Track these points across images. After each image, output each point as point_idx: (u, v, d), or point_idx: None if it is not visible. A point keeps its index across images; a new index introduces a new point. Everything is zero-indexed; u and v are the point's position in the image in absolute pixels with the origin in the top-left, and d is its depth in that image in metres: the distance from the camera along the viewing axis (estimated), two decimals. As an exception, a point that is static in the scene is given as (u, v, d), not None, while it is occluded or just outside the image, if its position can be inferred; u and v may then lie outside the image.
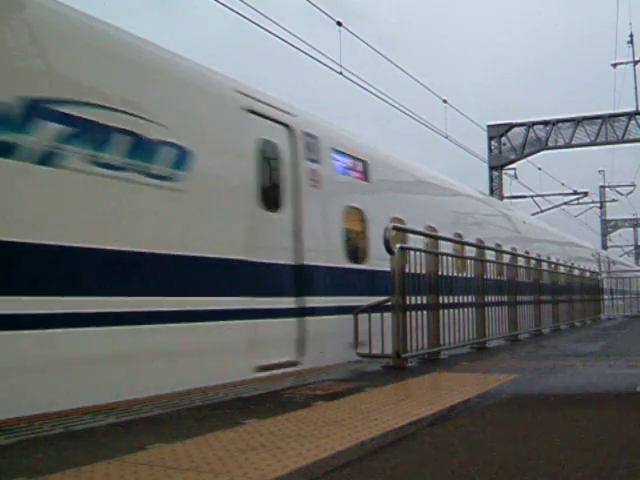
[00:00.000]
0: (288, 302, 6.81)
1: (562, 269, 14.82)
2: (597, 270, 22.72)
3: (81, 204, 4.85)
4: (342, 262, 7.84)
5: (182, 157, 5.65)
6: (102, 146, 4.97)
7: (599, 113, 23.27)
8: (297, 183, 7.10)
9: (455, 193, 12.35)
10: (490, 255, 10.14)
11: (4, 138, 4.35)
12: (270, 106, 6.95)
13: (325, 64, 12.33)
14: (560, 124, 23.49)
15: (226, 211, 6.16)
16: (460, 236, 10.81)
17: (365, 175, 8.64)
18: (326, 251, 7.53)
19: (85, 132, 4.85)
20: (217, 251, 5.97)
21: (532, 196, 30.63)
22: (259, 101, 6.81)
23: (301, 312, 6.90)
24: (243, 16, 9.92)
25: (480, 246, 10.63)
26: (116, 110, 5.11)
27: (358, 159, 8.55)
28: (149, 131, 5.37)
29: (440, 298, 7.03)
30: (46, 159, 4.57)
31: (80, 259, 4.81)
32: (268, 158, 6.81)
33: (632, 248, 55.18)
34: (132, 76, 5.51)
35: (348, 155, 8.34)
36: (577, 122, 23.28)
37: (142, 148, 5.30)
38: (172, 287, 5.53)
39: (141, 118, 5.32)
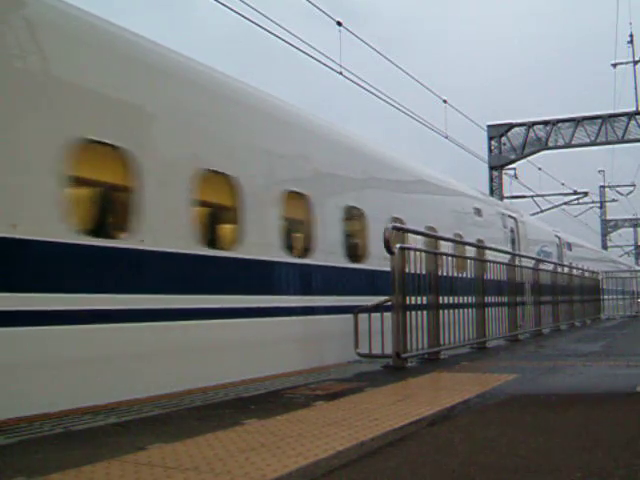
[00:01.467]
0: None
1: (562, 269, 14.86)
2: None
3: None
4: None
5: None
6: None
7: (599, 113, 23.27)
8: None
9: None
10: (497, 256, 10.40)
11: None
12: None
13: (325, 64, 12.34)
14: (560, 124, 23.49)
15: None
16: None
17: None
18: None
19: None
20: None
21: (532, 196, 30.69)
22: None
23: None
24: (243, 16, 9.93)
25: (484, 247, 10.62)
26: None
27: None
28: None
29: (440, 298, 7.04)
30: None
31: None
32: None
33: (632, 248, 55.23)
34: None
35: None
36: (577, 122, 23.27)
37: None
38: None
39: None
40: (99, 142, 5.07)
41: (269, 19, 10.46)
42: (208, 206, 6.44)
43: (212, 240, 6.41)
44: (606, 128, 22.82)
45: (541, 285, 11.66)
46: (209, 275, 6.02)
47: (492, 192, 23.49)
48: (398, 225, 7.19)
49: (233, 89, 7.05)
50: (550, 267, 12.92)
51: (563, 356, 7.59)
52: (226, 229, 6.77)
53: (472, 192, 13.52)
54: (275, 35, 10.81)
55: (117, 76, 5.40)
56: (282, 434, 3.22)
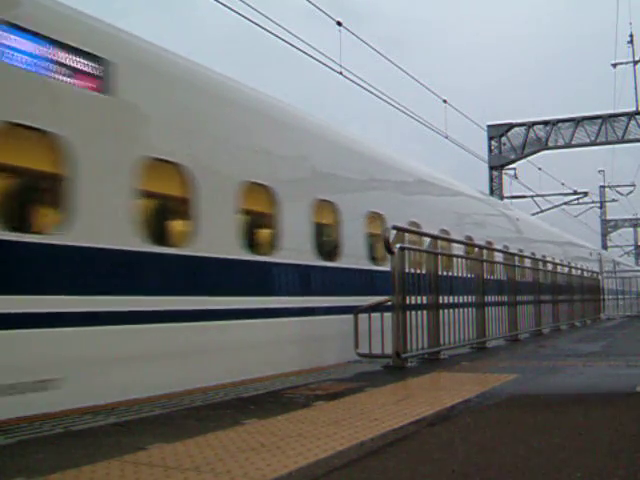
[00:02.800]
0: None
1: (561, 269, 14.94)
2: None
3: None
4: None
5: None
6: None
7: (599, 113, 23.26)
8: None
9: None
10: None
11: None
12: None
13: (325, 64, 12.32)
14: (560, 124, 23.48)
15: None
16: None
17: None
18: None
19: None
20: None
21: (532, 196, 30.66)
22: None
23: None
24: (243, 16, 9.92)
25: (481, 246, 10.64)
26: None
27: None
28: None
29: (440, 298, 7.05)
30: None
31: None
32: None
33: (632, 248, 55.23)
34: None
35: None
36: (577, 122, 23.26)
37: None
38: None
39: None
40: None
41: (269, 19, 10.46)
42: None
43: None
44: (606, 128, 22.81)
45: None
46: None
47: (492, 192, 23.48)
48: (398, 225, 7.19)
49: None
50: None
51: (563, 356, 7.59)
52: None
53: (590, 245, 28.24)
54: (275, 35, 10.80)
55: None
56: (282, 434, 3.22)
